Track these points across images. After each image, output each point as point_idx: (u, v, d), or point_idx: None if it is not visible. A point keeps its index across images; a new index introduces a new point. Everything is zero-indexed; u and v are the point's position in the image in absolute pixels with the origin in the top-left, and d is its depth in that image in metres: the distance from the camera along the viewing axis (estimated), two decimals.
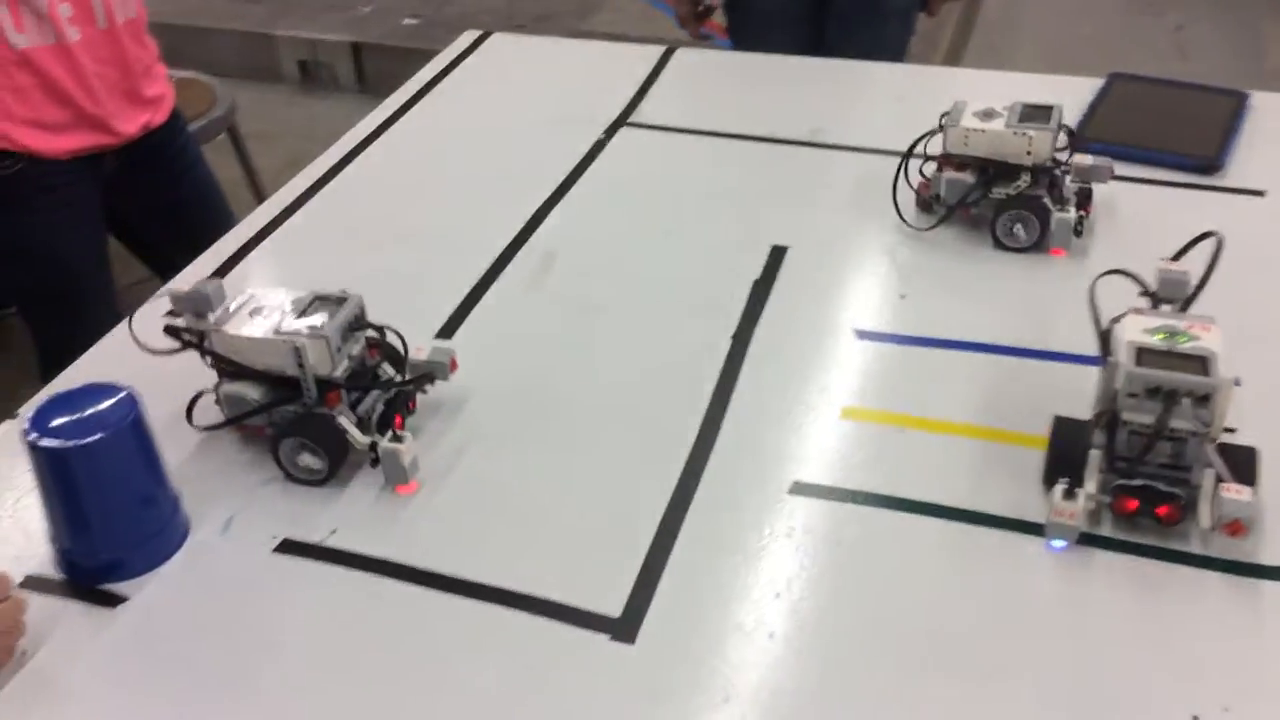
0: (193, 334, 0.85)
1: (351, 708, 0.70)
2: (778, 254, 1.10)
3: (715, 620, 0.74)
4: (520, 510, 0.83)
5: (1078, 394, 0.86)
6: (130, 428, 0.75)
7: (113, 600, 0.77)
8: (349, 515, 0.83)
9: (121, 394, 0.76)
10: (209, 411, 0.88)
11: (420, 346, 0.89)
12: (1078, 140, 1.21)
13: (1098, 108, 1.28)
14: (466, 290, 1.07)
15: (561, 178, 1.23)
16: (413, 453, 0.84)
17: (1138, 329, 0.78)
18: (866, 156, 1.25)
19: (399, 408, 0.87)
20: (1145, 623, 0.73)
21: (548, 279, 1.08)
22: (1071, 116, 1.25)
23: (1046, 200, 1.07)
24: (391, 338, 0.89)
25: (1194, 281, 0.83)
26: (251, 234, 1.17)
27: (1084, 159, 1.10)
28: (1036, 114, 1.07)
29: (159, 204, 1.59)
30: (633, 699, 0.70)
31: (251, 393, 0.85)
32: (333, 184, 1.25)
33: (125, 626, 0.75)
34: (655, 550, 0.79)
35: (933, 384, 0.93)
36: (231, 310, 0.85)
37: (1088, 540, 0.78)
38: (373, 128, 1.36)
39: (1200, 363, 0.75)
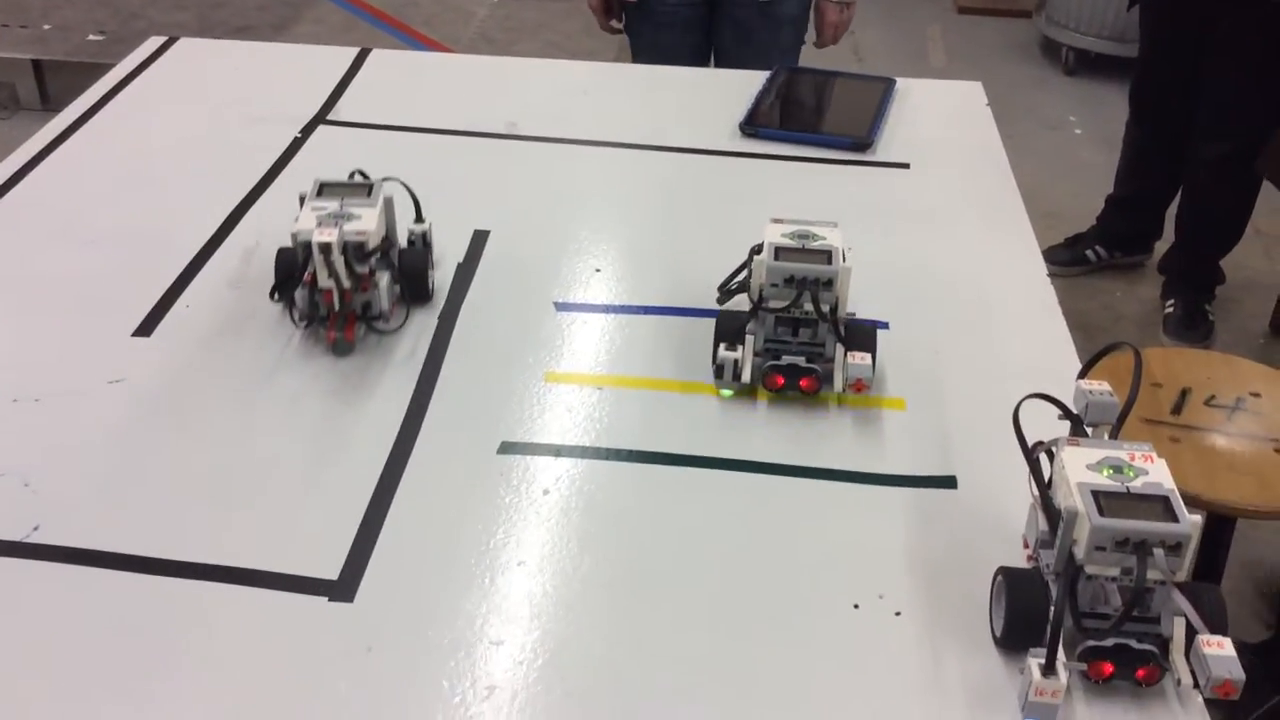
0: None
1: (68, 701, 0.70)
2: (480, 238, 1.15)
3: (432, 570, 0.78)
4: (232, 489, 0.84)
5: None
6: None
7: None
8: (51, 511, 0.82)
9: None
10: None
11: None
12: (749, 126, 1.33)
13: (764, 98, 1.39)
14: (165, 287, 1.06)
15: (259, 176, 1.24)
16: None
17: (1079, 465, 0.70)
18: (561, 146, 1.32)
19: None
20: None
21: (249, 273, 1.09)
22: (741, 107, 1.36)
23: None
24: None
25: (1119, 402, 0.76)
26: None
27: None
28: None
29: None
30: (351, 653, 0.73)
31: None
32: (11, 194, 1.20)
33: None
34: (370, 515, 0.82)
35: (623, 346, 1.01)
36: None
37: None
38: (53, 136, 1.30)
39: (1163, 504, 0.68)
